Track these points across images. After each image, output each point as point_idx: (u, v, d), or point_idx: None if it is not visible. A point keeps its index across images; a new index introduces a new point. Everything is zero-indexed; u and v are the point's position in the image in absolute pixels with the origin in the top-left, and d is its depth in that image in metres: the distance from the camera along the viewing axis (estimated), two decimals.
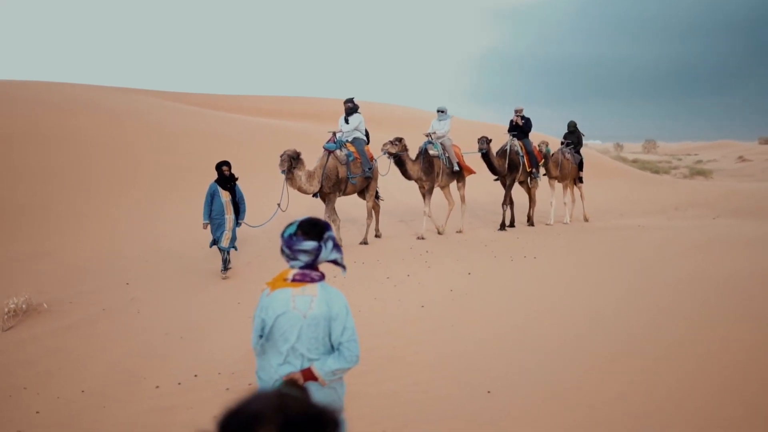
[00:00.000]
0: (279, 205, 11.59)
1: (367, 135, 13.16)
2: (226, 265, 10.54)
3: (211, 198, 10.33)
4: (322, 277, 3.41)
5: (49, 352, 7.47)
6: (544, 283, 9.42)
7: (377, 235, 13.35)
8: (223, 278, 10.41)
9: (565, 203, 16.31)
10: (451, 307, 8.47)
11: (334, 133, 12.78)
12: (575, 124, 16.93)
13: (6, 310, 8.41)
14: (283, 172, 11.27)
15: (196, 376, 6.61)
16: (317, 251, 3.31)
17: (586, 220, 16.82)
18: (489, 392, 5.74)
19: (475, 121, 39.96)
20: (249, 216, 11.09)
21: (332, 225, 8.92)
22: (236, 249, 10.74)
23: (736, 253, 10.53)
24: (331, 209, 12.30)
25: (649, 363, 6.10)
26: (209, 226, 10.39)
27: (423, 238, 13.12)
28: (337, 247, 3.39)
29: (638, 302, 8.04)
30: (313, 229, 3.33)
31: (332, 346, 3.37)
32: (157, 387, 6.39)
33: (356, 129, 12.88)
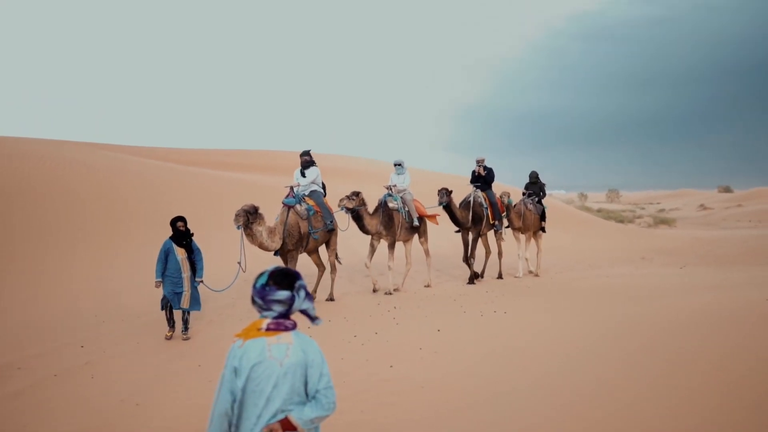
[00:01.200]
0: (240, 263, 11.15)
1: (323, 188, 12.86)
2: (186, 325, 10.06)
3: (165, 256, 9.79)
4: (295, 325, 3.43)
5: None
6: (515, 338, 9.18)
7: (330, 298, 12.48)
8: (184, 339, 9.93)
9: (519, 256, 16.03)
10: (421, 366, 8.17)
11: (292, 188, 12.40)
12: (537, 175, 16.84)
13: None
14: (238, 227, 10.82)
15: None
16: (291, 301, 3.34)
17: (536, 274, 16.14)
18: None
19: (432, 172, 40.16)
20: (211, 274, 10.72)
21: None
22: (199, 310, 10.26)
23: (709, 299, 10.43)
24: (293, 266, 11.79)
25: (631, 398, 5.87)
26: (162, 285, 9.83)
27: (391, 293, 12.86)
28: (309, 296, 3.42)
29: (615, 345, 7.84)
30: (285, 278, 3.36)
31: (306, 396, 3.37)
32: None
33: (313, 182, 12.56)
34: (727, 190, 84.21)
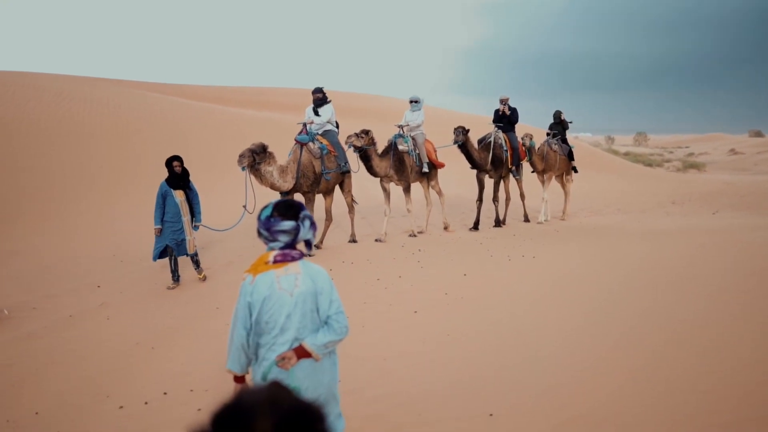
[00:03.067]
0: (245, 206, 10.56)
1: (337, 127, 12.17)
2: (198, 265, 9.65)
3: (163, 199, 9.20)
4: (302, 255, 3.44)
5: (5, 365, 6.75)
6: (544, 284, 8.78)
7: (353, 240, 12.14)
8: (201, 279, 9.65)
9: (543, 198, 15.31)
10: (447, 312, 7.82)
11: (305, 125, 11.66)
12: (560, 114, 15.98)
13: None
14: (243, 168, 10.21)
15: (165, 393, 5.93)
16: (296, 231, 3.34)
17: (562, 218, 15.67)
18: (491, 415, 5.09)
19: (454, 111, 39.32)
20: (216, 216, 10.31)
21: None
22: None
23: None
24: (310, 210, 11.20)
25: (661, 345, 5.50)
26: (161, 231, 9.25)
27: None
28: (313, 225, 3.44)
29: (647, 291, 7.44)
30: (290, 209, 3.36)
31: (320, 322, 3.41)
32: (121, 407, 5.70)
33: (328, 121, 11.85)
34: (759, 134, 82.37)
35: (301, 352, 3.34)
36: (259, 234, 3.40)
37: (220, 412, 1.41)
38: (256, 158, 10.24)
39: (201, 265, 9.79)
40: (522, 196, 15.10)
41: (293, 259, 3.39)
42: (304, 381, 3.39)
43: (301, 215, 3.38)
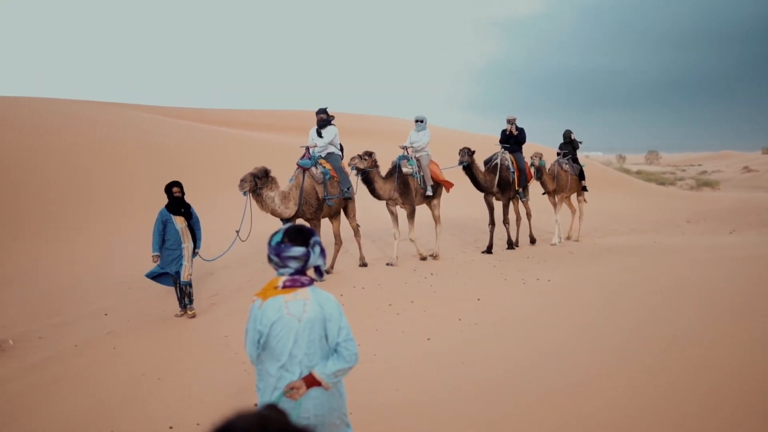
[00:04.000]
0: (238, 232, 10.14)
1: (341, 150, 11.85)
2: (190, 298, 9.19)
3: (163, 226, 8.94)
4: (312, 281, 3.44)
5: (9, 397, 6.58)
6: (560, 309, 8.54)
7: (363, 264, 11.85)
8: (190, 317, 9.14)
9: (556, 221, 14.87)
10: (461, 339, 7.60)
11: (308, 148, 11.29)
12: (570, 133, 15.65)
13: None
14: (244, 193, 9.91)
15: (171, 428, 5.74)
16: (306, 257, 3.36)
17: (576, 239, 15.38)
18: None
19: (463, 131, 39.16)
20: (222, 240, 10.00)
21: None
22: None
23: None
24: None
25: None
26: (159, 259, 9.02)
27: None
28: (323, 252, 3.45)
29: (665, 326, 7.19)
30: (300, 235, 3.37)
31: (328, 349, 3.41)
32: None
33: (331, 143, 11.49)
34: None
35: (311, 381, 3.32)
36: (270, 260, 3.40)
37: None
38: (258, 183, 9.95)
39: (193, 301, 9.33)
40: (528, 215, 14.77)
41: (303, 285, 3.39)
42: (315, 409, 3.38)
43: (312, 241, 3.39)
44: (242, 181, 9.85)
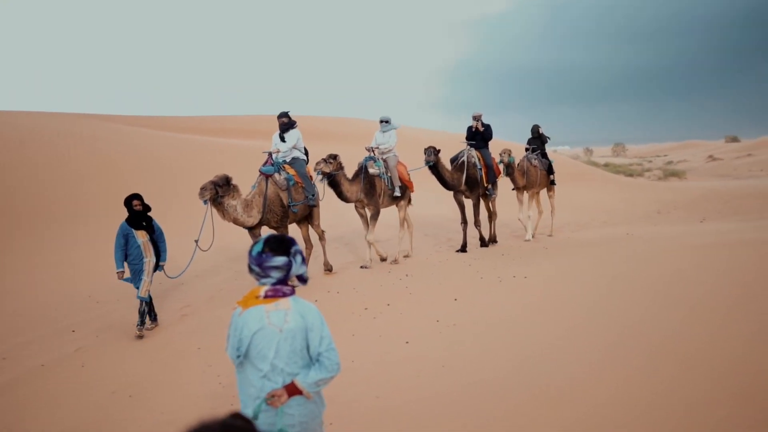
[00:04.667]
0: (197, 242, 9.83)
1: (306, 153, 11.54)
2: (143, 318, 8.77)
3: (125, 241, 8.65)
4: (293, 291, 3.44)
5: None
6: (538, 306, 8.43)
7: (328, 269, 11.53)
8: (138, 336, 8.70)
9: (528, 216, 14.67)
10: (439, 341, 7.45)
11: (270, 154, 10.93)
12: (538, 128, 15.56)
13: None
14: (205, 202, 9.57)
15: None
16: (288, 266, 3.35)
17: (550, 234, 15.31)
18: None
19: (427, 130, 39.06)
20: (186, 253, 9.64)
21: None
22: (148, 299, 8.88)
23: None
24: None
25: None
26: (124, 275, 8.75)
27: (367, 267, 11.73)
28: (304, 260, 3.45)
29: (651, 321, 7.10)
30: (281, 245, 3.36)
31: (310, 358, 3.40)
32: None
33: (294, 147, 11.21)
34: (735, 139, 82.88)
35: (293, 390, 3.32)
36: (250, 270, 3.40)
37: None
38: (219, 191, 9.61)
39: (147, 319, 8.97)
40: (493, 215, 14.42)
41: (284, 294, 3.39)
42: (300, 417, 3.38)
43: (293, 250, 3.39)
44: (202, 189, 9.49)
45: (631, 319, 7.42)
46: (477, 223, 13.55)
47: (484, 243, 13.68)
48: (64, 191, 15.48)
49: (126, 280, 8.86)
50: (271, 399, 3.30)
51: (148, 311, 8.96)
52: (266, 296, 3.36)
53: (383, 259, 12.25)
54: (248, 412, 3.37)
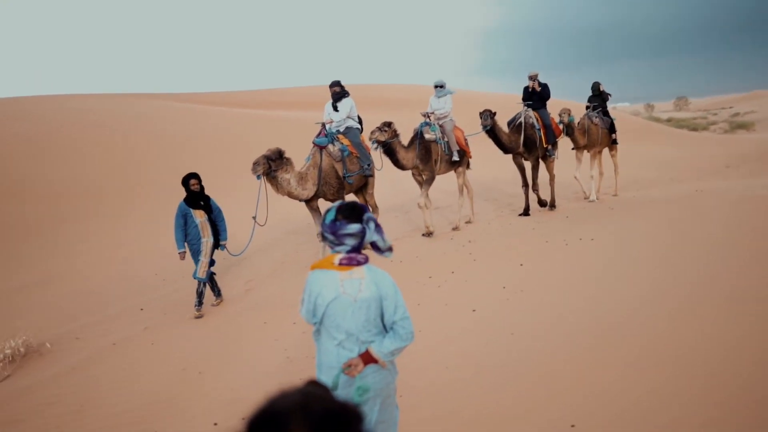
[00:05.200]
0: (254, 218, 9.79)
1: (360, 122, 11.25)
2: (201, 299, 8.75)
3: (184, 220, 8.61)
4: (367, 259, 3.40)
5: (49, 402, 6.42)
6: (610, 271, 8.15)
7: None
8: (196, 316, 8.69)
9: (591, 176, 14.25)
10: (507, 309, 7.28)
11: (324, 125, 10.73)
12: (599, 85, 14.97)
13: (1, 357, 7.39)
14: (258, 177, 9.38)
15: (215, 424, 5.53)
16: (362, 233, 3.31)
17: (615, 194, 14.84)
18: (573, 426, 4.56)
19: (484, 93, 38.34)
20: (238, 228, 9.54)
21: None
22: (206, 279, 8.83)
23: None
24: None
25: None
26: (187, 255, 8.75)
27: (430, 234, 11.54)
28: (378, 227, 3.40)
29: (729, 273, 6.78)
30: (353, 212, 3.32)
31: (384, 327, 3.39)
32: None
33: (348, 116, 10.93)
34: None
35: (368, 358, 3.32)
36: (324, 238, 3.37)
37: (255, 419, 1.38)
38: (272, 165, 9.43)
39: (213, 296, 9.02)
40: (552, 178, 13.85)
41: (358, 263, 3.35)
42: (375, 384, 3.38)
43: (365, 217, 3.35)
44: (255, 164, 9.33)
45: (707, 275, 7.10)
46: (535, 186, 13.20)
47: (543, 204, 13.35)
48: (124, 171, 15.73)
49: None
50: (348, 369, 3.31)
51: (211, 287, 9.02)
52: (341, 264, 3.34)
53: (429, 233, 11.77)
54: (326, 381, 3.36)
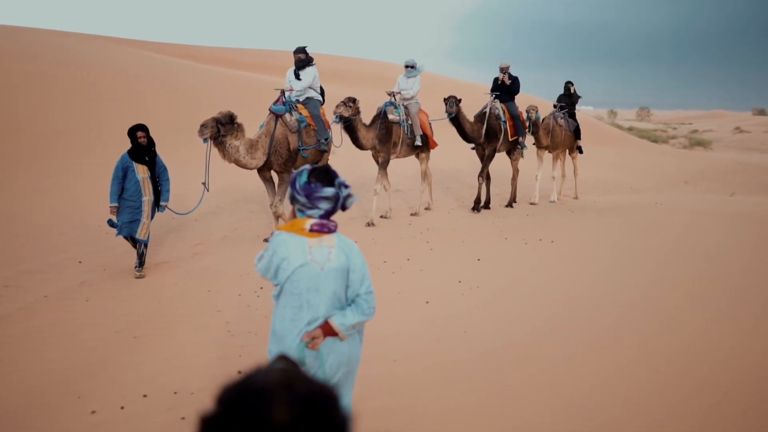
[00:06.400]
0: (204, 183, 9.20)
1: (322, 93, 10.73)
2: (142, 259, 8.17)
3: (123, 174, 7.99)
4: (337, 226, 3.30)
5: None
6: (567, 273, 8.03)
7: None
8: (138, 276, 8.19)
9: (553, 177, 14.08)
10: (462, 304, 7.09)
11: (283, 92, 10.13)
12: (571, 85, 14.68)
13: None
14: (205, 140, 8.82)
15: (145, 396, 5.18)
16: (336, 197, 3.20)
17: (575, 197, 14.69)
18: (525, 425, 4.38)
19: (453, 79, 38.10)
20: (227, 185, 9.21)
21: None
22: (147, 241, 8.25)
23: None
24: (282, 192, 9.66)
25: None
26: (116, 212, 8.07)
27: (372, 225, 10.97)
28: (350, 193, 3.29)
29: (683, 281, 6.70)
30: (327, 175, 3.21)
31: (346, 300, 3.29)
32: (93, 412, 4.95)
33: (310, 87, 10.36)
34: (762, 112, 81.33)
35: (328, 330, 3.20)
36: (294, 200, 3.23)
37: (229, 397, 1.24)
38: (221, 130, 8.83)
39: (144, 263, 8.31)
40: (515, 174, 13.61)
41: (329, 231, 3.25)
42: (339, 365, 3.29)
43: (337, 182, 3.23)
44: (203, 126, 8.73)
45: (657, 284, 7.01)
46: (481, 175, 12.61)
47: (476, 206, 12.61)
48: (85, 115, 15.08)
49: (110, 223, 8.22)
50: (311, 341, 3.19)
51: (143, 253, 8.34)
52: (312, 230, 3.21)
53: (382, 216, 11.46)
54: (276, 348, 3.30)
